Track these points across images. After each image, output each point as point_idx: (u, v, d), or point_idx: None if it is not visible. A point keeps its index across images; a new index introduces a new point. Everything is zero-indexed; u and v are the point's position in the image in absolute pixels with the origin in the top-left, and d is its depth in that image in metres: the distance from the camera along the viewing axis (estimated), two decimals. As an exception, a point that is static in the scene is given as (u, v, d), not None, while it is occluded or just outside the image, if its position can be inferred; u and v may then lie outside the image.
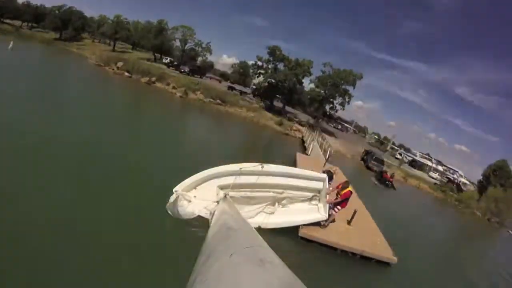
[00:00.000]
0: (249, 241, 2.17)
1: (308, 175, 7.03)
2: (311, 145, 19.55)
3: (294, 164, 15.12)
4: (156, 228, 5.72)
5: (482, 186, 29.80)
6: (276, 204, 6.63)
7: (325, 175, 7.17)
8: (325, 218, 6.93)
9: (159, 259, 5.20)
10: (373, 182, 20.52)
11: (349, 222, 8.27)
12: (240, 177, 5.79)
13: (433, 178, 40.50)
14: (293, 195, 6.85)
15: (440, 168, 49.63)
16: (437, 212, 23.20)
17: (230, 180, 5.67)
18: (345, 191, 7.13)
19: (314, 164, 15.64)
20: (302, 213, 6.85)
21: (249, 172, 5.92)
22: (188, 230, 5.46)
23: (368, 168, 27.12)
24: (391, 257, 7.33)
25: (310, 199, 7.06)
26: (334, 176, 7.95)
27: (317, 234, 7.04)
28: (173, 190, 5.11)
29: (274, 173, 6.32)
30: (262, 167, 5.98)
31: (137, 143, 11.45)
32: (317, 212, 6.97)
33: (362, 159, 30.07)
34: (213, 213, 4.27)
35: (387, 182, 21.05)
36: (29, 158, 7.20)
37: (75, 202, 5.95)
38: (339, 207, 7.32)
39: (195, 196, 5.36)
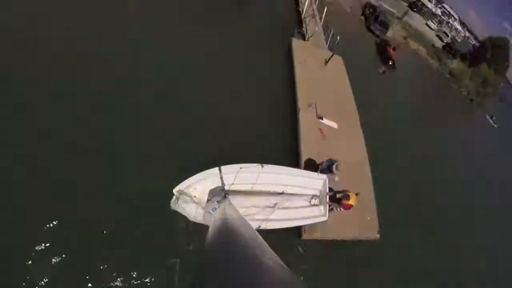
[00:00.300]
0: (249, 241, 2.12)
1: (308, 175, 6.72)
2: (310, 24, 14.80)
3: (289, 54, 12.02)
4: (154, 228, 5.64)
5: (475, 58, 28.28)
6: (276, 204, 6.19)
7: (325, 176, 6.80)
8: (325, 219, 6.66)
9: (158, 259, 5.32)
10: (380, 69, 18.24)
11: (347, 197, 7.93)
12: (240, 176, 5.78)
13: (431, 28, 38.67)
14: (293, 195, 6.53)
15: (438, 11, 45.49)
16: (429, 96, 22.49)
17: (230, 179, 5.69)
18: (346, 202, 6.46)
19: (314, 55, 12.66)
20: (302, 213, 6.52)
21: (249, 171, 5.88)
22: (188, 230, 5.68)
23: (369, 30, 23.22)
24: (376, 235, 7.87)
25: (311, 199, 6.68)
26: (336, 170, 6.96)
27: (318, 234, 6.98)
28: (173, 191, 5.15)
29: (274, 172, 6.21)
30: (263, 166, 5.96)
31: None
32: (317, 212, 6.66)
33: (364, 15, 24.89)
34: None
35: (390, 62, 19.06)
36: None
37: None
38: (341, 208, 6.75)
39: (195, 196, 5.35)
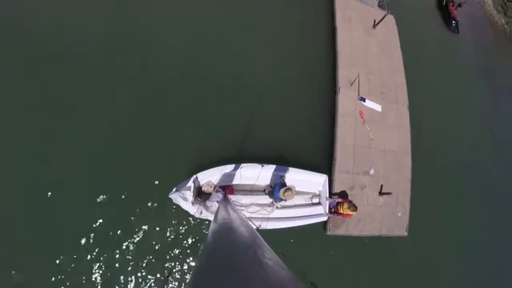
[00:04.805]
0: (249, 241, 2.17)
1: (309, 174, 6.55)
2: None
3: (331, 12, 10.18)
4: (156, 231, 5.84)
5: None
6: (276, 204, 6.26)
7: (325, 175, 6.63)
8: (326, 219, 6.64)
9: (158, 259, 5.50)
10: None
11: (380, 193, 7.47)
12: (240, 176, 5.90)
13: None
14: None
15: None
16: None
17: (230, 179, 5.86)
18: (347, 212, 6.20)
19: (361, 14, 10.59)
20: (302, 212, 6.51)
21: (249, 170, 5.95)
22: (189, 230, 5.89)
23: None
24: (403, 232, 7.66)
25: (311, 198, 6.62)
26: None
27: (343, 230, 6.94)
28: (174, 191, 5.27)
29: (274, 171, 6.19)
30: (263, 166, 6.00)
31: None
32: (317, 211, 6.56)
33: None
34: (214, 213, 4.55)
35: (453, 23, 15.77)
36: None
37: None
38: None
39: (195, 197, 5.47)
